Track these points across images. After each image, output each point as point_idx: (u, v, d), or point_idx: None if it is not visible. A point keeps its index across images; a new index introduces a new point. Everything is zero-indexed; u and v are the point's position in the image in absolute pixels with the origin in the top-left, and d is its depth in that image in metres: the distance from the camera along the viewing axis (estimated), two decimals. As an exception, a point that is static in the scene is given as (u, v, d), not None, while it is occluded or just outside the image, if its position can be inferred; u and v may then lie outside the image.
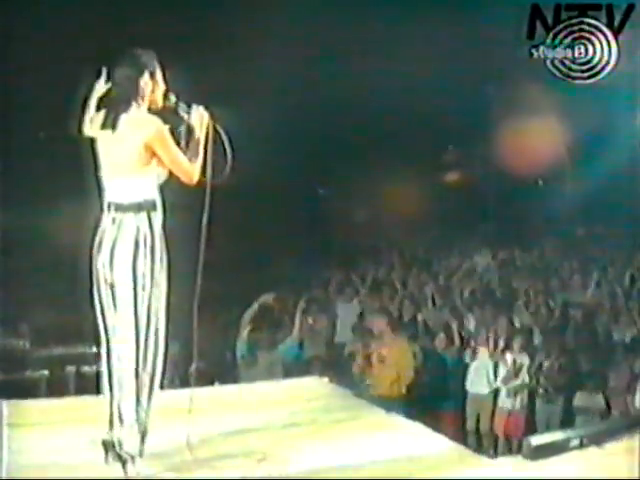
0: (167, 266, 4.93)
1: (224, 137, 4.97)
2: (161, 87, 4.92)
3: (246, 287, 11.46)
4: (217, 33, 15.04)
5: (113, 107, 4.81)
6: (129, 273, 4.73)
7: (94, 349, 9.18)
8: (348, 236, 19.10)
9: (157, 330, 4.86)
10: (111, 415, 4.84)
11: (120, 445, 4.80)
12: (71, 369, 10.09)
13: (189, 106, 5.00)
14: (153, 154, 4.75)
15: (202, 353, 10.12)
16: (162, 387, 5.06)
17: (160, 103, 4.93)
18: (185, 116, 4.99)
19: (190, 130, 4.95)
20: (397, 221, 19.15)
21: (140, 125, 4.74)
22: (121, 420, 4.82)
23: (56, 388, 9.57)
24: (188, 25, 14.83)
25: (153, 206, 4.82)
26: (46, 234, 13.47)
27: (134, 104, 4.78)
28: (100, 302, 4.86)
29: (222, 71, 14.92)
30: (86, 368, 9.78)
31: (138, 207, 4.75)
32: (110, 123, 4.76)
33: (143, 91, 4.81)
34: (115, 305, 4.79)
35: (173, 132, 4.91)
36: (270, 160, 17.54)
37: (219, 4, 14.86)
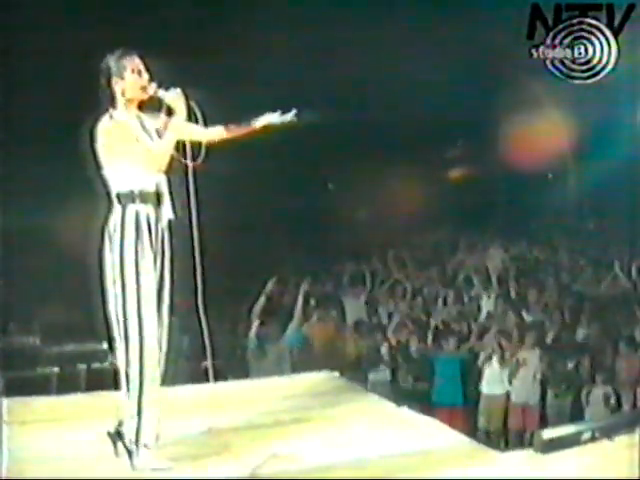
0: (158, 260, 5.01)
1: (198, 116, 5.10)
2: (137, 82, 5.06)
3: (255, 282, 11.45)
4: (222, 29, 15.04)
5: (98, 110, 5.03)
6: (104, 263, 4.95)
7: (105, 346, 9.21)
8: (358, 232, 19.09)
9: (141, 325, 4.89)
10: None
11: (123, 437, 4.97)
12: (82, 366, 10.10)
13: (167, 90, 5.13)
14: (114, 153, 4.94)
15: (214, 348, 10.21)
16: (163, 383, 5.08)
17: (141, 96, 5.09)
18: (164, 98, 5.11)
19: (170, 111, 5.12)
20: (407, 217, 19.14)
21: (97, 133, 4.96)
22: (122, 413, 5.00)
23: (67, 385, 9.57)
24: (191, 23, 14.85)
25: (127, 199, 4.95)
26: (56, 231, 13.49)
27: (110, 109, 5.01)
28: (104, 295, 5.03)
29: (230, 67, 14.94)
30: (97, 365, 9.79)
31: (114, 200, 4.97)
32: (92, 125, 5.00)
33: (114, 93, 5.03)
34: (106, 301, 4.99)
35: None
36: (279, 155, 17.56)
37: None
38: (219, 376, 8.49)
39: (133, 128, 5.04)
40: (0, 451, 5.15)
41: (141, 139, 5.03)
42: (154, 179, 5.03)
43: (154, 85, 5.09)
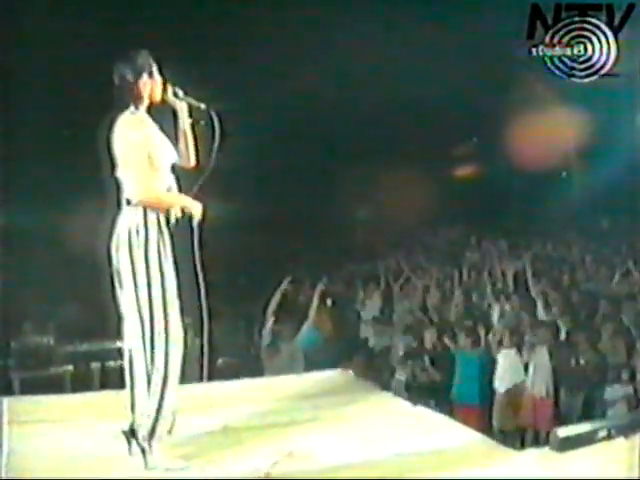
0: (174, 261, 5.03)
1: (216, 127, 5.08)
2: (159, 83, 5.11)
3: (270, 280, 11.44)
4: (226, 35, 15.08)
5: (114, 109, 4.99)
6: (127, 264, 4.89)
7: (118, 345, 9.21)
8: (370, 231, 19.11)
9: (166, 324, 4.92)
10: (132, 405, 4.98)
11: (137, 435, 4.94)
12: (96, 365, 10.12)
13: (186, 94, 5.20)
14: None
15: (227, 347, 10.22)
16: (181, 382, 5.08)
17: (159, 97, 5.12)
18: (176, 102, 5.19)
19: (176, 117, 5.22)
20: (418, 216, 19.14)
21: (118, 130, 4.93)
22: (133, 411, 4.97)
23: (81, 383, 9.61)
24: (194, 26, 14.88)
25: None
26: (70, 232, 13.53)
27: (132, 106, 4.98)
28: (116, 295, 5.02)
29: (237, 73, 14.97)
30: (110, 364, 9.80)
31: (132, 201, 4.91)
32: (110, 124, 4.97)
33: (141, 93, 5.01)
34: (124, 302, 4.97)
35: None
36: (293, 156, 17.60)
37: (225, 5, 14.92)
38: (232, 374, 8.53)
39: (153, 127, 5.08)
40: (1, 451, 5.19)
41: (162, 140, 5.08)
42: (169, 180, 5.08)
43: (171, 88, 5.16)
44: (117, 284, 4.97)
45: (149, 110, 5.11)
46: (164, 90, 5.12)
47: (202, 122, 5.16)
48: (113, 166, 4.96)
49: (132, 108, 4.97)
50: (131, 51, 5.04)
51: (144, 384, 4.93)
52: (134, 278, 4.88)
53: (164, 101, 5.16)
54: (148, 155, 4.90)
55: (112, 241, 4.94)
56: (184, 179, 5.18)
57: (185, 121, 5.21)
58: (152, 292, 4.88)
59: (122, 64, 4.99)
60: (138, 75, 4.97)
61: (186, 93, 5.20)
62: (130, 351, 4.96)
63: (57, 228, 14.00)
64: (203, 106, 5.18)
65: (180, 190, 5.13)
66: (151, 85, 5.03)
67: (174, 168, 5.16)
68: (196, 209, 5.04)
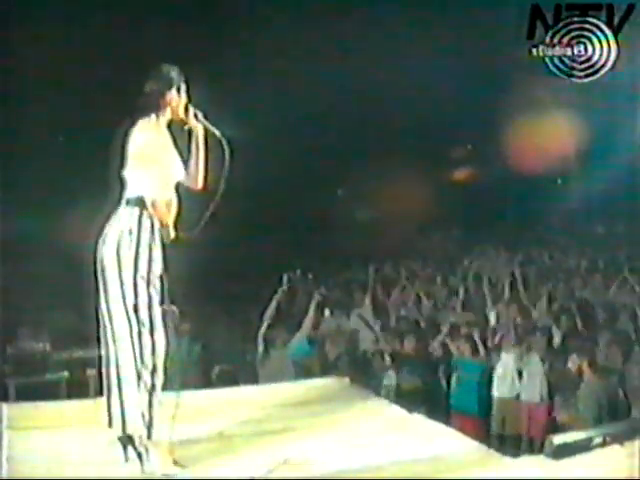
0: (164, 266, 5.08)
1: (226, 152, 5.17)
2: (184, 100, 5.19)
3: (265, 288, 11.44)
4: (229, 41, 15.09)
5: (137, 113, 5.06)
6: (114, 264, 4.92)
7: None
8: (366, 236, 19.10)
9: (152, 326, 4.97)
10: (109, 413, 5.01)
11: (133, 441, 4.95)
12: (91, 371, 10.10)
13: (206, 117, 5.26)
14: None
15: (224, 354, 10.20)
16: (164, 389, 5.10)
17: (182, 114, 5.20)
18: (194, 124, 5.24)
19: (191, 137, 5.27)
20: (415, 221, 19.15)
21: (136, 131, 4.99)
22: (124, 418, 4.97)
23: (76, 390, 9.58)
24: (203, 37, 14.90)
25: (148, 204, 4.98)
26: (66, 238, 13.52)
27: (153, 115, 5.06)
28: (99, 297, 5.03)
29: (241, 79, 14.99)
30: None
31: (132, 202, 4.97)
32: (129, 126, 5.02)
33: (167, 105, 5.11)
34: (107, 301, 4.97)
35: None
36: (289, 162, 17.61)
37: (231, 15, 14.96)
38: (229, 381, 8.52)
39: (169, 140, 5.17)
40: (0, 455, 5.18)
41: (174, 155, 5.17)
42: (171, 195, 5.12)
43: (192, 109, 5.22)
44: (100, 284, 4.98)
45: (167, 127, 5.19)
46: (186, 110, 5.20)
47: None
48: (122, 166, 5.02)
49: (154, 117, 5.06)
50: (166, 65, 5.15)
51: (134, 385, 4.94)
52: (120, 278, 4.90)
53: (181, 120, 5.23)
54: (159, 162, 4.97)
55: (100, 237, 4.98)
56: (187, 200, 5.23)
57: (200, 143, 5.25)
58: (139, 292, 4.92)
59: (156, 75, 5.10)
60: (168, 88, 5.08)
61: (206, 117, 5.25)
62: (117, 354, 4.95)
63: (53, 234, 13.98)
64: (218, 133, 5.23)
65: (179, 209, 5.16)
66: (177, 101, 5.13)
67: (177, 187, 5.20)
68: (168, 237, 5.06)
